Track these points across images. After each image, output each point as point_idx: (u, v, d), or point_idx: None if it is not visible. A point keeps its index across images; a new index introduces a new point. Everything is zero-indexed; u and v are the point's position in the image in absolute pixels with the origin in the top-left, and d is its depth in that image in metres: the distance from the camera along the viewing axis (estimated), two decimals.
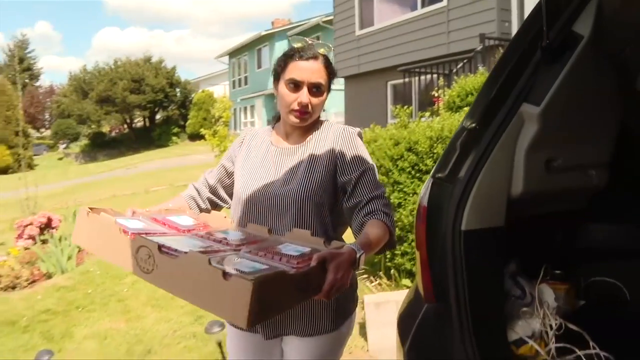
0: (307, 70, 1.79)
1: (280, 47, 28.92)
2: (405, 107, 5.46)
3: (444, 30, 11.47)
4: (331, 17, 17.46)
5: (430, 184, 1.54)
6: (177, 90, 35.90)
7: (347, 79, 15.69)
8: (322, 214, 1.77)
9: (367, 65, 14.49)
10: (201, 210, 1.99)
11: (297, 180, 1.78)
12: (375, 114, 12.49)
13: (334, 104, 23.30)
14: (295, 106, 1.78)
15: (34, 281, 6.24)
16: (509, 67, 1.43)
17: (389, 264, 4.66)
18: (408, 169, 4.40)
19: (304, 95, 1.77)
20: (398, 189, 4.50)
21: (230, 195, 2.02)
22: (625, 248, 1.75)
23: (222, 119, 13.44)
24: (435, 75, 10.04)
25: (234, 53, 33.76)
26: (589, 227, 1.76)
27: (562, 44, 1.36)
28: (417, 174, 4.41)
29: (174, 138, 33.93)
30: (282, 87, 1.81)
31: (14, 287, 6.11)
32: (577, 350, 1.35)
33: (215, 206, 2.05)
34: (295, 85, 1.78)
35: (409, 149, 4.43)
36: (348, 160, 1.79)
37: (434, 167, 1.53)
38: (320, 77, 1.81)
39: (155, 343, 4.29)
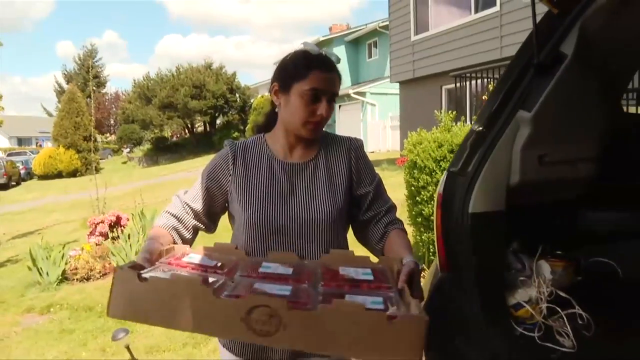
0: (330, 80, 1.66)
1: (338, 52, 29.16)
2: (450, 112, 5.75)
3: (497, 35, 11.60)
4: (387, 22, 17.78)
5: (445, 177, 1.88)
6: (237, 95, 36.87)
7: (402, 83, 15.95)
8: (342, 231, 1.75)
9: (421, 70, 14.72)
10: (184, 241, 1.77)
11: (320, 200, 1.69)
12: (430, 118, 12.72)
13: (390, 108, 23.58)
14: (314, 118, 1.65)
15: (105, 274, 6.86)
16: (510, 80, 1.77)
17: (432, 257, 4.97)
18: None
19: (324, 107, 1.64)
20: None
21: (216, 222, 1.86)
22: (619, 231, 2.03)
23: None
24: (488, 80, 10.21)
25: None
26: (587, 214, 2.05)
27: (551, 62, 1.68)
28: None
29: None
30: (297, 96, 1.64)
31: (88, 279, 6.74)
32: (560, 310, 1.66)
33: (195, 234, 1.83)
34: (316, 96, 1.64)
35: (451, 151, 4.74)
36: (363, 173, 1.78)
37: (450, 163, 1.87)
38: (338, 87, 1.72)
39: None
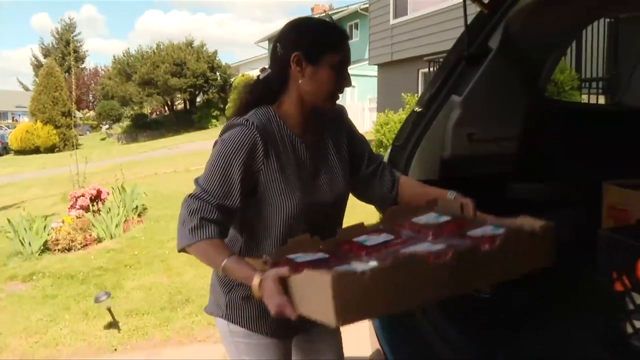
0: (349, 51, 1.62)
1: None
2: (415, 95, 6.07)
3: None
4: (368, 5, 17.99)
5: (390, 149, 2.18)
6: (218, 74, 36.81)
7: (380, 66, 16.24)
8: None
9: (399, 54, 15.00)
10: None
11: (339, 179, 1.69)
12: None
13: (369, 90, 23.82)
14: (340, 90, 1.62)
15: (86, 245, 7.09)
16: (446, 69, 2.07)
17: None
18: None
19: (349, 79, 1.61)
20: None
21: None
22: (536, 201, 2.35)
23: None
24: None
25: (273, 38, 34.41)
26: (510, 186, 2.37)
27: (479, 54, 1.99)
28: None
29: (214, 121, 34.89)
30: (328, 68, 1.56)
31: (69, 249, 6.96)
32: None
33: None
34: (345, 68, 1.60)
35: None
36: (356, 135, 1.81)
37: (394, 138, 2.17)
38: None
39: (193, 294, 5.02)
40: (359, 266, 1.19)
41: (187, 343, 4.12)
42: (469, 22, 2.14)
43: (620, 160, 2.21)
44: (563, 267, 1.77)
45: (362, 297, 1.10)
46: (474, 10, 1.96)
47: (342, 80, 1.59)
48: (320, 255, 1.35)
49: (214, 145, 1.59)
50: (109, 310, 4.41)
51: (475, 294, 1.95)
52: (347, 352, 1.89)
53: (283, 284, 1.24)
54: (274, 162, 1.56)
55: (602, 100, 7.27)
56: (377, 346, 1.88)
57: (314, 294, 1.16)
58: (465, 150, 2.06)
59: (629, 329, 1.39)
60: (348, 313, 1.10)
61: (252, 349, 1.70)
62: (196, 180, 1.55)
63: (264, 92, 1.64)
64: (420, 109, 2.07)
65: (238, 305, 1.66)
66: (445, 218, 1.44)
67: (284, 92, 1.63)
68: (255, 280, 1.31)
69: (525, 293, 1.92)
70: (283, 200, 1.57)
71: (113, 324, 4.42)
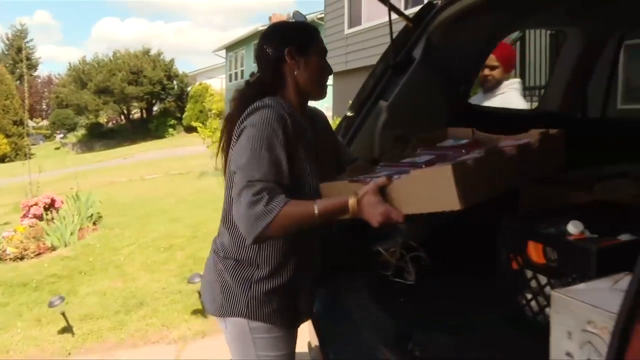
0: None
1: None
2: None
3: None
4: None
5: None
6: (175, 82, 36.57)
7: (336, 75, 16.47)
8: None
9: (354, 63, 15.27)
10: None
11: (331, 162, 1.90)
12: None
13: (325, 98, 24.07)
14: (328, 76, 1.82)
15: (39, 253, 7.04)
16: (375, 77, 2.26)
17: None
18: None
19: (330, 67, 1.84)
20: None
21: None
22: None
23: (213, 111, 14.24)
24: None
25: (231, 47, 34.44)
26: None
27: (404, 64, 2.19)
28: None
29: (171, 130, 34.62)
30: (317, 55, 1.77)
31: (22, 258, 6.91)
32: (405, 253, 2.17)
33: None
34: (325, 56, 1.81)
35: None
36: (332, 129, 2.04)
37: None
38: None
39: (147, 297, 5.10)
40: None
41: (141, 345, 4.20)
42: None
43: None
44: (477, 255, 1.98)
45: (471, 182, 1.39)
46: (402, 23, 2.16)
47: (328, 67, 1.81)
48: (389, 170, 1.64)
49: (239, 133, 1.61)
50: (63, 314, 4.44)
51: (401, 281, 2.14)
52: None
53: (382, 193, 1.44)
54: (297, 142, 1.64)
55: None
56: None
57: (430, 189, 1.40)
58: (393, 152, 2.25)
59: (522, 301, 1.60)
60: (466, 196, 1.36)
61: (272, 343, 1.77)
62: (242, 171, 1.54)
63: (260, 91, 1.74)
64: (352, 114, 2.26)
65: (260, 300, 1.71)
66: (464, 140, 1.75)
67: (282, 87, 1.76)
68: (352, 201, 1.46)
69: (443, 279, 2.12)
70: (303, 180, 1.66)
71: (67, 329, 4.46)
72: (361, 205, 1.45)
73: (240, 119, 1.64)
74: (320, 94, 1.81)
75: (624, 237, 1.48)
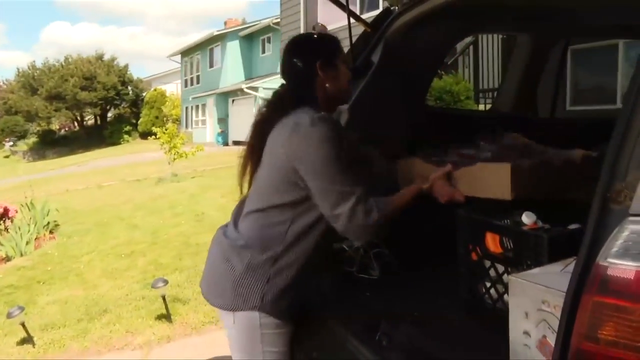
0: None
1: (233, 47, 29.49)
2: None
3: None
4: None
5: None
6: (129, 88, 36.03)
7: None
8: None
9: None
10: None
11: None
12: None
13: None
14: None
15: None
16: None
17: None
18: None
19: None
20: None
21: None
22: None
23: (171, 117, 14.10)
24: None
25: (186, 52, 34.16)
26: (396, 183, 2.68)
27: (363, 67, 2.28)
28: None
29: (126, 136, 34.11)
30: (343, 65, 1.89)
31: None
32: (368, 249, 2.27)
33: None
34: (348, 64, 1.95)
35: None
36: None
37: None
38: None
39: (110, 304, 5.04)
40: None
41: (105, 352, 4.17)
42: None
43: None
44: (436, 250, 2.09)
45: (523, 181, 1.73)
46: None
47: (351, 72, 1.95)
48: (456, 157, 2.04)
49: (304, 146, 1.65)
50: (23, 325, 4.36)
51: (366, 276, 2.23)
52: None
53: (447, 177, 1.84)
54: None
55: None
56: None
57: (490, 179, 1.77)
58: (354, 152, 2.34)
59: (482, 290, 1.70)
60: (517, 190, 1.71)
61: (279, 339, 1.79)
62: (335, 185, 1.64)
63: (292, 102, 1.80)
64: None
65: (275, 296, 1.71)
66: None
67: (314, 97, 1.83)
68: (426, 187, 1.84)
69: (406, 273, 2.22)
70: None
71: (27, 340, 4.37)
72: (434, 186, 1.83)
73: (289, 130, 1.69)
74: (349, 99, 1.98)
75: (573, 226, 1.60)
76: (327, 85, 1.83)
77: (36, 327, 4.64)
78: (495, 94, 8.89)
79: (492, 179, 1.76)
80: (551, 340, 1.13)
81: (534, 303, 1.17)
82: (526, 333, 1.20)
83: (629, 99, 0.97)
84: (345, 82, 1.89)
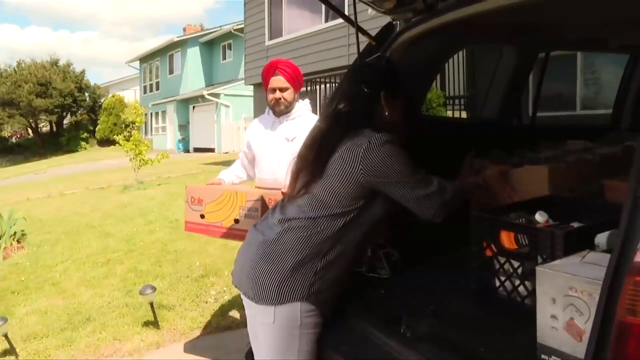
0: None
1: (193, 53, 29.32)
2: None
3: (345, 43, 12.66)
4: (242, 26, 18.35)
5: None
6: (87, 94, 35.34)
7: (257, 86, 16.60)
8: None
9: None
10: None
11: None
12: None
13: (244, 109, 24.13)
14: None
15: None
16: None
17: None
18: None
19: None
20: None
21: None
22: None
23: (136, 124, 13.97)
24: (336, 84, 11.21)
25: (145, 58, 33.78)
26: None
27: None
28: None
29: (83, 143, 33.45)
30: (401, 100, 2.10)
31: None
32: (379, 249, 2.41)
33: None
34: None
35: None
36: None
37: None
38: None
39: (93, 312, 5.03)
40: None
41: None
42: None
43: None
44: (443, 244, 2.24)
45: (559, 181, 2.14)
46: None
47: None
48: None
49: (377, 157, 1.86)
50: (6, 336, 4.32)
51: (376, 275, 2.37)
52: None
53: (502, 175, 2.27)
54: None
55: (463, 114, 8.22)
56: None
57: (530, 180, 2.21)
58: None
59: (496, 283, 1.86)
60: (555, 189, 2.13)
61: (313, 339, 1.92)
62: (411, 182, 1.89)
63: (349, 122, 1.97)
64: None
65: (321, 287, 1.85)
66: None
67: (370, 121, 1.98)
68: (479, 180, 2.24)
69: (415, 272, 2.37)
70: None
71: (10, 351, 4.32)
72: (488, 181, 2.25)
73: (364, 149, 1.86)
74: (400, 134, 2.02)
75: (575, 224, 1.78)
76: (386, 113, 2.01)
77: (17, 338, 4.58)
78: (460, 101, 9.24)
79: (534, 180, 2.20)
80: (578, 321, 1.29)
81: (561, 290, 1.32)
82: (553, 317, 1.35)
83: None
84: (401, 114, 2.06)
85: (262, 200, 2.77)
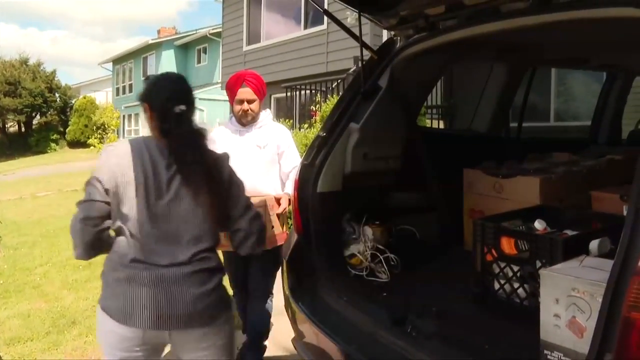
0: None
1: (168, 56, 29.11)
2: (287, 120, 6.65)
3: (324, 50, 12.79)
4: (219, 29, 18.34)
5: (299, 167, 2.64)
6: (57, 95, 34.78)
7: None
8: None
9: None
10: None
11: None
12: None
13: (218, 113, 24.04)
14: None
15: None
16: (345, 101, 2.61)
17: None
18: None
19: None
20: None
21: None
22: (414, 206, 2.98)
23: (111, 127, 13.90)
24: (314, 91, 11.33)
25: (118, 60, 33.41)
26: (394, 194, 2.96)
27: (372, 91, 2.55)
28: None
29: (53, 145, 32.85)
30: None
31: None
32: (380, 255, 2.52)
33: None
34: None
35: None
36: None
37: (303, 157, 2.64)
38: None
39: (78, 316, 5.01)
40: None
41: None
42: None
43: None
44: (440, 249, 2.38)
45: (550, 191, 2.38)
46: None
47: None
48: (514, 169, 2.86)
49: None
50: None
51: (376, 279, 2.49)
52: None
53: None
54: None
55: (441, 124, 8.43)
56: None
57: (525, 189, 2.46)
58: (361, 167, 2.61)
59: (496, 286, 2.00)
60: (545, 199, 2.36)
61: None
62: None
63: None
64: (324, 134, 2.59)
65: None
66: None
67: None
68: None
69: (414, 276, 2.50)
70: None
71: None
72: None
73: None
74: None
75: (568, 231, 1.93)
76: None
77: (0, 342, 4.56)
78: (436, 110, 9.44)
79: (526, 189, 2.36)
80: (580, 319, 1.43)
81: (564, 291, 1.46)
82: (556, 316, 1.49)
83: None
84: None
85: (265, 206, 2.82)
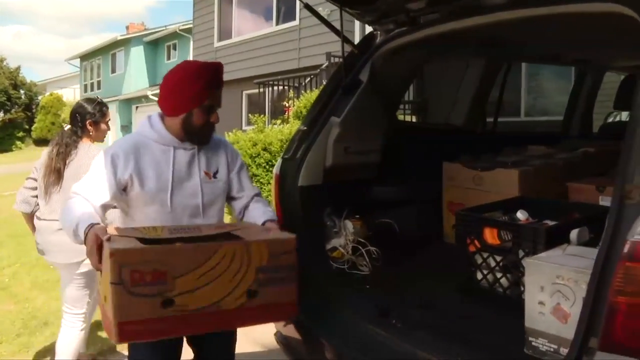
0: None
1: (137, 52, 28.69)
2: (261, 115, 6.65)
3: (296, 46, 12.78)
4: (189, 26, 18.13)
5: (280, 162, 2.64)
6: (22, 92, 34.01)
7: None
8: None
9: (224, 75, 15.39)
10: None
11: None
12: (232, 121, 13.49)
13: None
14: None
15: None
16: (326, 95, 2.60)
17: None
18: (263, 165, 5.64)
19: None
20: (256, 180, 5.70)
21: None
22: (394, 200, 3.00)
23: None
24: (286, 87, 11.31)
25: (86, 56, 32.80)
26: (374, 188, 2.97)
27: (352, 85, 2.56)
28: (271, 169, 5.62)
29: (18, 143, 32.16)
30: None
31: None
32: (361, 247, 2.53)
33: None
34: None
35: (264, 149, 5.64)
36: None
37: (283, 152, 2.63)
38: None
39: (50, 317, 4.89)
40: None
41: None
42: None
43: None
44: (420, 242, 2.40)
45: (528, 183, 2.52)
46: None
47: None
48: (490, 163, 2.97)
49: None
50: None
51: (358, 272, 2.50)
52: None
53: None
54: None
55: (413, 118, 8.50)
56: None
57: (504, 181, 2.57)
58: (342, 160, 2.61)
59: (479, 276, 2.02)
60: (523, 190, 2.51)
61: None
62: None
63: None
64: (305, 128, 2.58)
65: None
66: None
67: None
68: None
69: (394, 268, 2.52)
70: None
71: None
72: None
73: None
74: None
75: (548, 221, 1.97)
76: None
77: None
78: (410, 105, 9.51)
79: (505, 181, 2.31)
80: (564, 306, 1.46)
81: (549, 278, 1.49)
82: (541, 303, 1.52)
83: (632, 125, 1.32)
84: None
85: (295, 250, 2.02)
